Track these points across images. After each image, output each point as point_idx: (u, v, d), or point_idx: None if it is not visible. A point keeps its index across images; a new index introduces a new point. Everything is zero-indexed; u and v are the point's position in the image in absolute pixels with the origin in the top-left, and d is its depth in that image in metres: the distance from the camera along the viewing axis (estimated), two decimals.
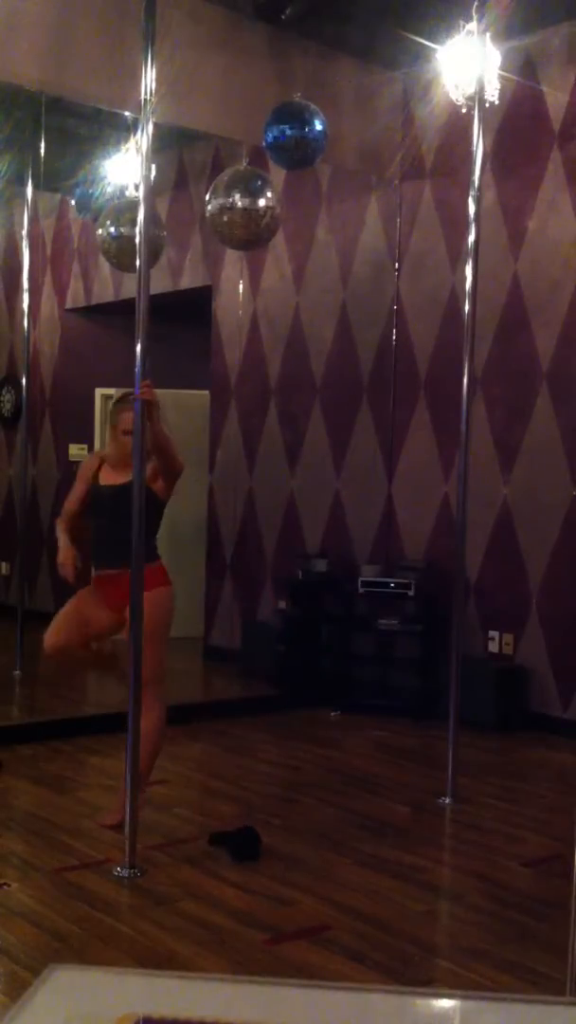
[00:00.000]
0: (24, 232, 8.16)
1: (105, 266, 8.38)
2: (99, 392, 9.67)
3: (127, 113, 6.29)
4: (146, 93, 4.32)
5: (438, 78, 5.55)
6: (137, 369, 4.26)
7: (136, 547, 4.28)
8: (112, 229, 6.58)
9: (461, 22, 5.24)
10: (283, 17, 6.37)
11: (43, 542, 9.96)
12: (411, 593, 6.98)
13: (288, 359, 8.21)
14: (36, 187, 7.90)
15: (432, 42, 5.89)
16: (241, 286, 8.49)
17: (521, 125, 6.77)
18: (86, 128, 7.37)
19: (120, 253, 6.58)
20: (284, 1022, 1.58)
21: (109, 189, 7.10)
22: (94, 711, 6.83)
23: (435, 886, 4.32)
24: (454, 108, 5.59)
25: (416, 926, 3.87)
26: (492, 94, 5.27)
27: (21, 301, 8.28)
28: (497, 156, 6.85)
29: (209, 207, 6.30)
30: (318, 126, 6.09)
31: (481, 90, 5.23)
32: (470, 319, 5.35)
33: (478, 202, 5.32)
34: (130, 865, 4.20)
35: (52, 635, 4.67)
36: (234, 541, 8.60)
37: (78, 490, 4.75)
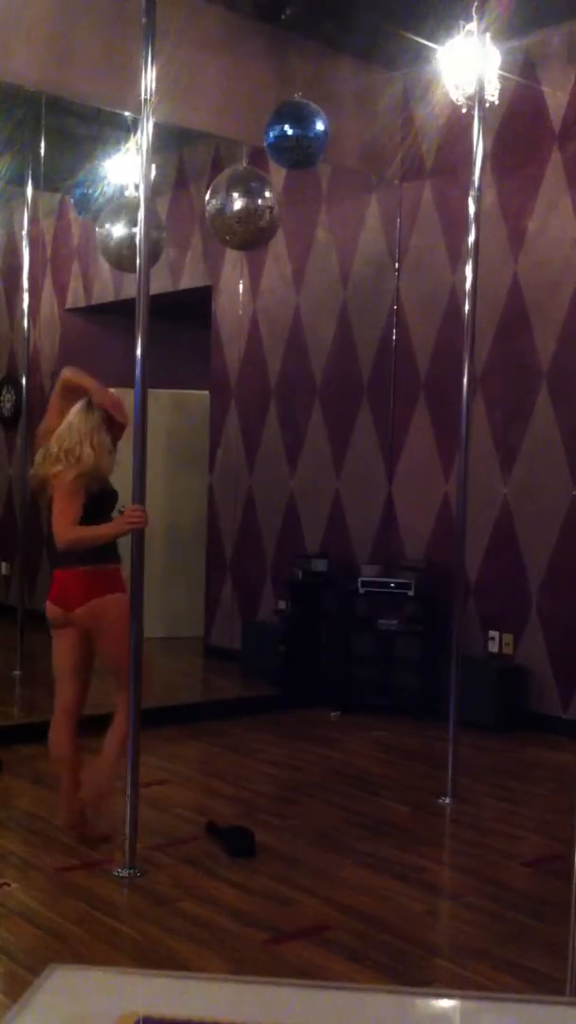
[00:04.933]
0: (24, 232, 8.16)
1: (105, 266, 8.38)
2: None
3: (127, 113, 6.29)
4: (146, 93, 4.32)
5: (438, 78, 5.55)
6: (137, 369, 4.26)
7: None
8: (111, 229, 6.58)
9: (461, 22, 5.24)
10: (283, 17, 6.37)
11: (43, 542, 9.96)
12: (411, 593, 6.98)
13: (288, 359, 8.21)
14: (36, 187, 7.90)
15: (432, 42, 5.89)
16: (241, 286, 8.49)
17: (521, 125, 6.77)
18: (86, 128, 7.37)
19: (119, 253, 6.58)
20: (284, 1022, 1.58)
21: (109, 189, 7.10)
22: (94, 711, 6.81)
23: (435, 886, 4.32)
24: (454, 108, 5.59)
25: (416, 926, 3.87)
26: (492, 94, 5.27)
27: (21, 301, 8.27)
28: (497, 156, 6.84)
29: (209, 207, 6.30)
30: (319, 126, 6.09)
31: (481, 90, 5.23)
32: (470, 319, 5.35)
33: (478, 202, 5.32)
34: (130, 865, 4.20)
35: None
36: (234, 541, 8.60)
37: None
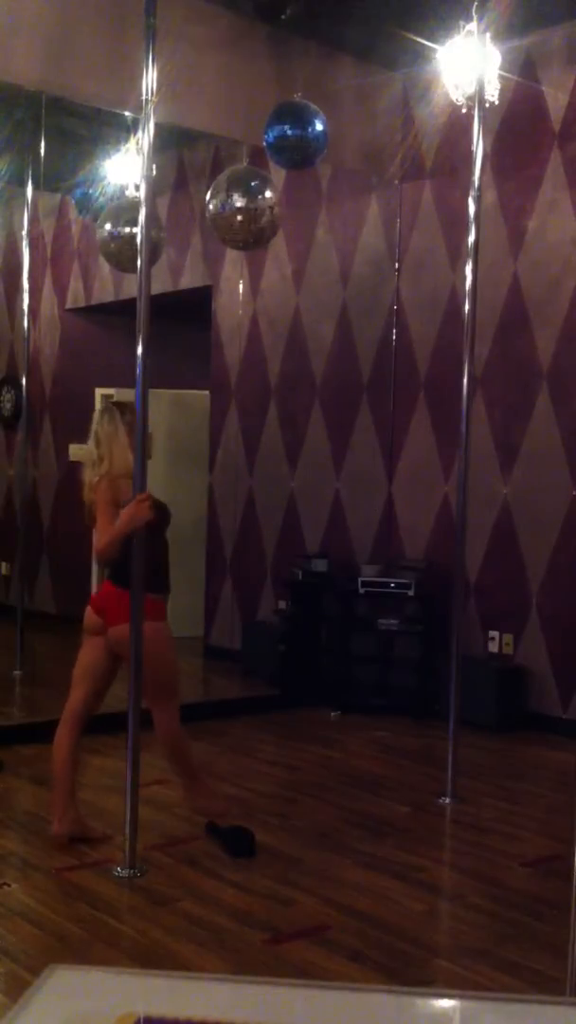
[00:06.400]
0: (24, 232, 8.16)
1: (105, 266, 8.39)
2: (99, 392, 9.68)
3: (127, 113, 6.29)
4: (147, 93, 4.32)
5: (438, 78, 5.56)
6: (138, 369, 4.26)
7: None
8: (112, 229, 6.58)
9: (461, 22, 5.24)
10: (283, 17, 6.36)
11: (43, 542, 9.97)
12: (411, 593, 6.98)
13: (288, 359, 8.21)
14: (36, 187, 7.91)
15: (432, 42, 5.89)
16: (241, 286, 8.49)
17: (521, 125, 6.77)
18: (86, 128, 7.37)
19: (120, 253, 6.58)
20: (284, 1022, 1.58)
21: (109, 189, 7.10)
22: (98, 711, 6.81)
23: (435, 886, 4.32)
24: (454, 108, 5.60)
25: (416, 926, 3.87)
26: (492, 94, 5.27)
27: (21, 301, 8.28)
28: (497, 156, 6.84)
29: (209, 207, 6.31)
30: (318, 126, 6.09)
31: (481, 90, 5.23)
32: (470, 319, 5.35)
33: (478, 202, 5.32)
34: (130, 865, 4.20)
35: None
36: (234, 541, 8.60)
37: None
